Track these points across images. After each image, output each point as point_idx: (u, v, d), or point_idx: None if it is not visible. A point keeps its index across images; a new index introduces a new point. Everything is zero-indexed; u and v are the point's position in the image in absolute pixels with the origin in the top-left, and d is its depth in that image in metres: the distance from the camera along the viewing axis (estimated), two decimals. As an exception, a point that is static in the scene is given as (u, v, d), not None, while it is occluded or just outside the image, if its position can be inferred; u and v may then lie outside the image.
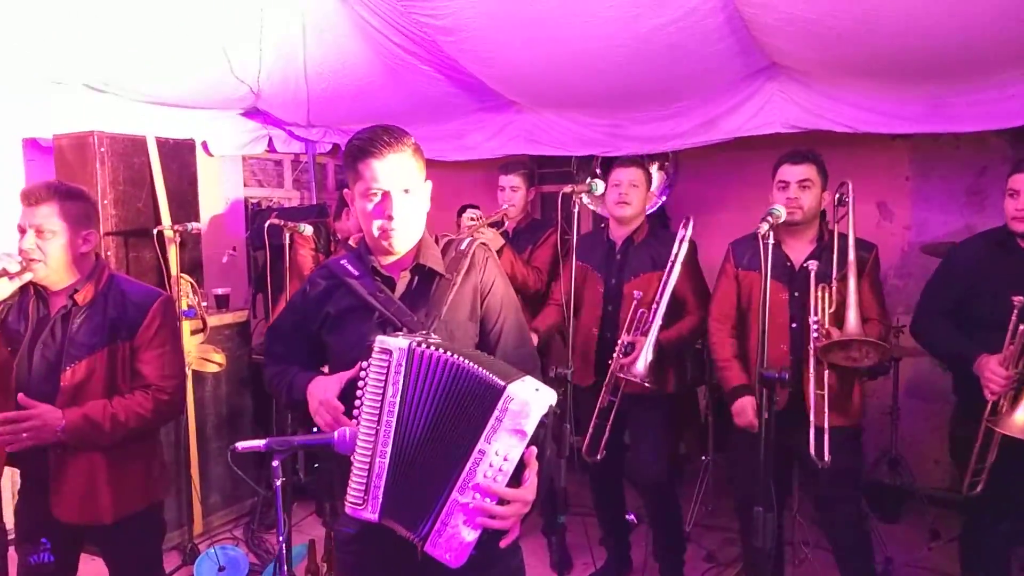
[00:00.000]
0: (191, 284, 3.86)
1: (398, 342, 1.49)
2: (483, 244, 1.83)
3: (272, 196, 5.56)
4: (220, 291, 4.28)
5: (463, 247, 1.79)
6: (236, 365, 4.20)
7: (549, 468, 1.55)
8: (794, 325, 2.78)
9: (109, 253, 3.67)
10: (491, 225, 3.72)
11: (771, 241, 2.12)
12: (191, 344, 3.84)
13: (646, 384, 2.94)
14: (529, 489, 1.48)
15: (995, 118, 3.29)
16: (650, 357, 2.95)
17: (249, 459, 3.92)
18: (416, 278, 1.76)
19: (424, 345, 1.49)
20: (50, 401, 2.10)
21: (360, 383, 1.52)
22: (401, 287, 1.75)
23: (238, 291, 4.67)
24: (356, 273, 1.75)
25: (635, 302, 3.13)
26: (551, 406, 1.47)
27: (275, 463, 1.51)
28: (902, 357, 3.93)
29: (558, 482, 2.46)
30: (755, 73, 3.58)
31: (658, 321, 2.99)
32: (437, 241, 1.83)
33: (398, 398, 1.48)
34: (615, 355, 3.08)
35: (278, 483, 1.51)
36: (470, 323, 1.74)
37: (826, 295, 2.68)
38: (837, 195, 2.86)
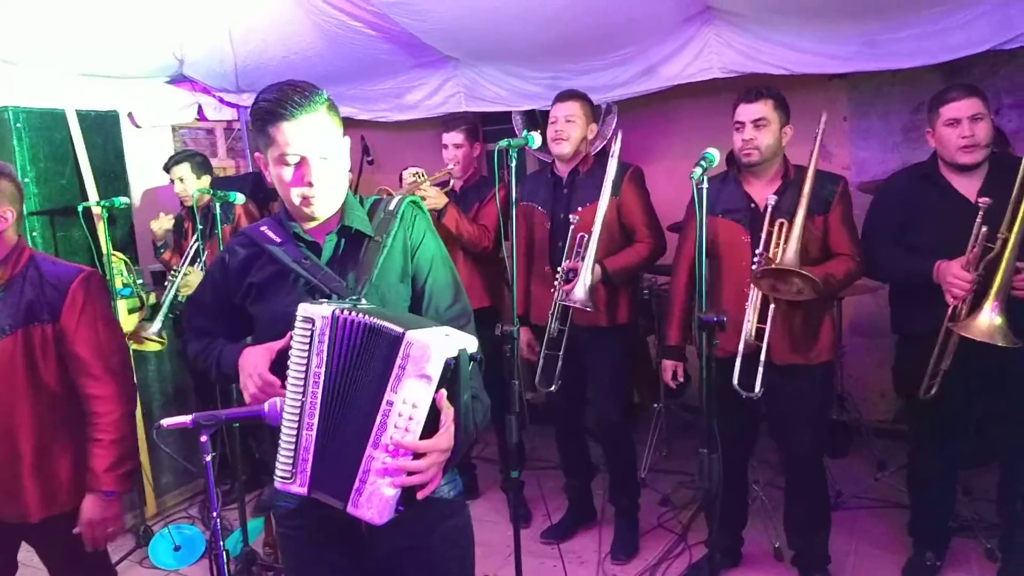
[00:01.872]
0: (124, 262, 3.73)
1: (321, 310, 1.44)
2: (412, 202, 1.75)
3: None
4: (157, 267, 4.15)
5: (391, 207, 1.71)
6: (177, 342, 4.09)
7: (473, 415, 1.49)
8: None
9: (35, 234, 3.52)
10: (437, 185, 3.65)
11: (705, 187, 2.06)
12: (130, 323, 3.72)
13: (587, 309, 2.88)
14: (445, 436, 1.43)
15: (928, 54, 3.30)
16: (589, 281, 2.88)
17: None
18: (343, 240, 1.68)
19: (349, 311, 1.44)
20: None
21: (289, 352, 1.47)
22: (327, 252, 1.67)
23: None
24: (278, 240, 1.66)
25: (572, 227, 3.08)
26: (463, 350, 1.43)
27: (203, 438, 1.47)
28: (844, 296, 4.00)
29: (510, 438, 2.44)
30: (692, 18, 3.54)
31: (594, 244, 2.90)
32: (362, 202, 1.76)
33: (323, 368, 1.43)
34: (557, 282, 3.05)
35: (207, 458, 1.47)
36: (402, 285, 1.68)
37: (782, 231, 2.62)
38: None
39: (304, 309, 1.45)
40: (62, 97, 3.92)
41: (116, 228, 3.76)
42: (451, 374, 1.41)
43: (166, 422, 1.47)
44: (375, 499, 1.40)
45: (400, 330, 1.38)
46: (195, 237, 3.59)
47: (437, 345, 1.38)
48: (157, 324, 3.55)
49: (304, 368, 1.44)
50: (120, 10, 3.63)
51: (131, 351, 3.64)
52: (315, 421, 1.43)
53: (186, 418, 1.47)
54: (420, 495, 1.44)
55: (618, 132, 3.11)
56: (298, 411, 1.44)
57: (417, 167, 3.92)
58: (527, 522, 3.62)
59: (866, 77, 4.11)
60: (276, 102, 1.53)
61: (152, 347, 3.81)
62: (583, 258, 2.94)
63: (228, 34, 4.07)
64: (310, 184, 1.57)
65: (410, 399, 1.38)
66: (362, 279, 1.62)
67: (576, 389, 3.35)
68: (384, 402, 1.39)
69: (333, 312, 1.43)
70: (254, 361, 1.58)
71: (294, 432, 1.44)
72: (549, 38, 3.65)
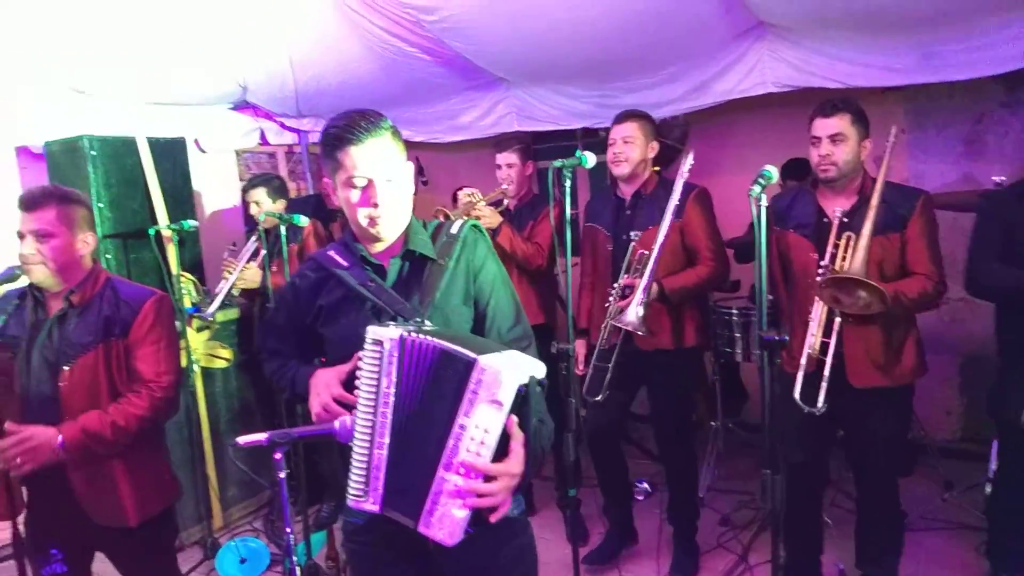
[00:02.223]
0: (193, 282, 3.87)
1: (389, 332, 1.49)
2: (473, 226, 1.81)
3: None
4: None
5: (454, 230, 1.77)
6: (243, 359, 4.23)
7: (540, 439, 1.53)
8: None
9: (108, 256, 3.68)
10: (491, 204, 3.70)
11: (764, 204, 2.05)
12: (198, 341, 3.86)
13: (639, 332, 2.86)
14: (515, 461, 1.47)
15: (987, 64, 3.23)
16: (642, 302, 2.86)
17: (266, 450, 3.97)
18: (407, 264, 1.74)
19: (416, 333, 1.49)
20: (52, 402, 2.13)
21: (358, 373, 1.53)
22: (392, 275, 1.73)
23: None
24: (345, 264, 1.74)
25: (633, 244, 3.07)
26: (533, 376, 1.47)
27: (277, 456, 1.53)
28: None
29: (567, 456, 2.46)
30: (743, 33, 3.54)
31: (651, 264, 2.88)
32: (425, 225, 1.81)
33: (393, 388, 1.49)
34: (612, 298, 3.03)
35: (281, 475, 1.53)
36: (464, 307, 1.73)
37: (848, 243, 2.55)
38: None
39: (373, 331, 1.50)
40: (132, 125, 4.11)
41: (184, 249, 3.91)
42: (521, 400, 1.45)
43: (242, 440, 1.53)
44: (446, 520, 1.44)
45: (473, 356, 1.43)
46: (263, 255, 3.73)
47: (509, 372, 1.42)
48: (213, 307, 3.81)
49: (375, 388, 1.49)
50: (187, 42, 3.80)
51: (197, 371, 3.81)
52: (386, 440, 1.48)
53: (261, 436, 1.53)
54: (492, 518, 1.48)
55: (690, 151, 3.09)
56: (370, 430, 1.49)
57: (471, 187, 3.99)
58: (584, 540, 3.62)
59: (923, 89, 4.03)
60: (344, 128, 1.61)
61: (219, 364, 3.96)
62: (641, 275, 2.94)
63: (289, 61, 4.22)
64: (376, 205, 1.64)
65: (482, 424, 1.42)
66: (426, 301, 1.68)
67: (619, 410, 3.30)
68: (456, 425, 1.43)
69: (401, 334, 1.49)
70: (326, 380, 1.64)
71: (366, 451, 1.49)
72: (599, 58, 3.68)
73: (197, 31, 3.78)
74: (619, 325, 2.92)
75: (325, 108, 4.99)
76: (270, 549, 3.71)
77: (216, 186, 5.09)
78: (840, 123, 2.60)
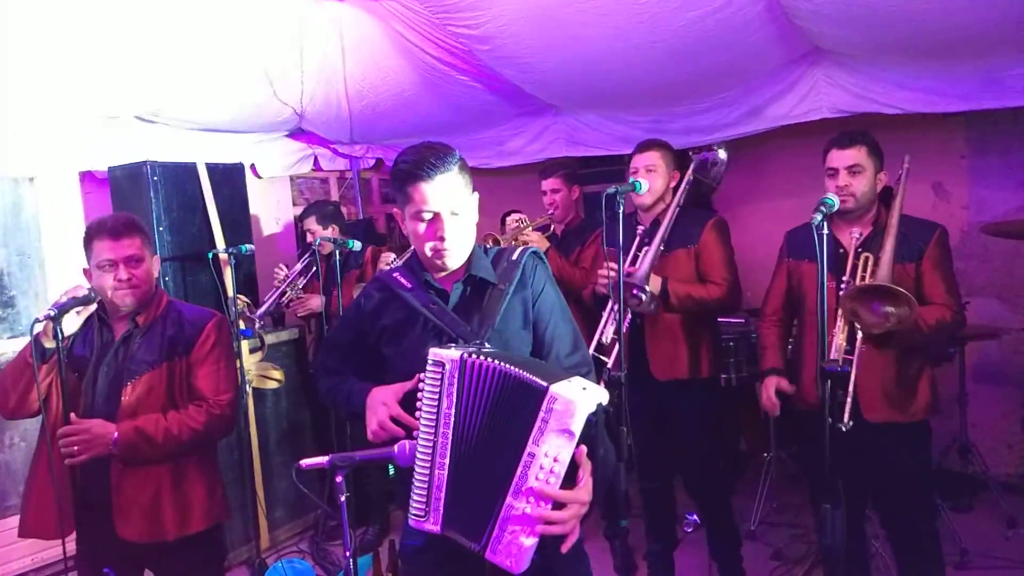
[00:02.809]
0: (247, 304, 3.95)
1: (450, 353, 1.51)
2: (533, 253, 1.84)
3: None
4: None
5: (514, 257, 1.81)
6: (294, 381, 4.29)
7: (606, 468, 1.54)
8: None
9: (167, 279, 3.78)
10: (538, 229, 3.71)
11: (826, 232, 2.06)
12: (250, 362, 3.93)
13: (644, 292, 2.82)
14: (584, 490, 1.47)
15: (1053, 89, 3.18)
16: (647, 267, 2.87)
17: (311, 472, 4.00)
18: (468, 288, 1.78)
19: (476, 355, 1.50)
20: (113, 418, 2.20)
21: (419, 395, 1.55)
22: (454, 298, 1.77)
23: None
24: (409, 285, 1.78)
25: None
26: (600, 404, 1.47)
27: (338, 479, 1.54)
28: (967, 341, 3.81)
29: (618, 485, 2.43)
30: (798, 59, 3.52)
31: (661, 232, 2.92)
32: (486, 251, 1.84)
33: (453, 409, 1.50)
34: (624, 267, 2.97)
35: (343, 498, 1.54)
36: (524, 331, 1.76)
37: (867, 262, 2.53)
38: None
39: (435, 353, 1.52)
40: (191, 150, 4.24)
41: (240, 272, 4.00)
42: (590, 428, 1.45)
43: (305, 463, 1.55)
44: (513, 547, 1.44)
45: (544, 384, 1.43)
46: (320, 280, 3.87)
47: (581, 402, 1.42)
48: (261, 310, 4.01)
49: (435, 409, 1.51)
50: (246, 70, 3.91)
51: (248, 392, 3.87)
52: (447, 460, 1.50)
53: (323, 459, 1.54)
54: (564, 548, 1.47)
55: (689, 178, 3.12)
56: (430, 450, 1.51)
57: (518, 211, 4.02)
58: (633, 571, 3.56)
59: (984, 114, 3.95)
60: (414, 163, 1.66)
61: (271, 384, 4.01)
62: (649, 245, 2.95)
63: (344, 89, 4.31)
64: (442, 239, 1.69)
65: (552, 452, 1.42)
66: (486, 324, 1.71)
67: (660, 445, 3.21)
68: (526, 453, 1.43)
69: (462, 355, 1.50)
70: (383, 399, 1.67)
71: (427, 471, 1.51)
72: (651, 84, 3.69)
73: (256, 60, 3.88)
74: (632, 282, 2.84)
75: (377, 134, 5.08)
76: (316, 571, 3.73)
77: (271, 210, 5.21)
78: (858, 155, 2.60)
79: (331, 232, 4.11)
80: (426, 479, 1.51)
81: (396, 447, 1.56)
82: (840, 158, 2.64)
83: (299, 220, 4.42)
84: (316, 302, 4.04)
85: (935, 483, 3.75)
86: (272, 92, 4.13)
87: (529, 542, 1.43)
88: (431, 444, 1.51)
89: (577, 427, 1.41)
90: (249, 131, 4.64)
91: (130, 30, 3.32)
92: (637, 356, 3.08)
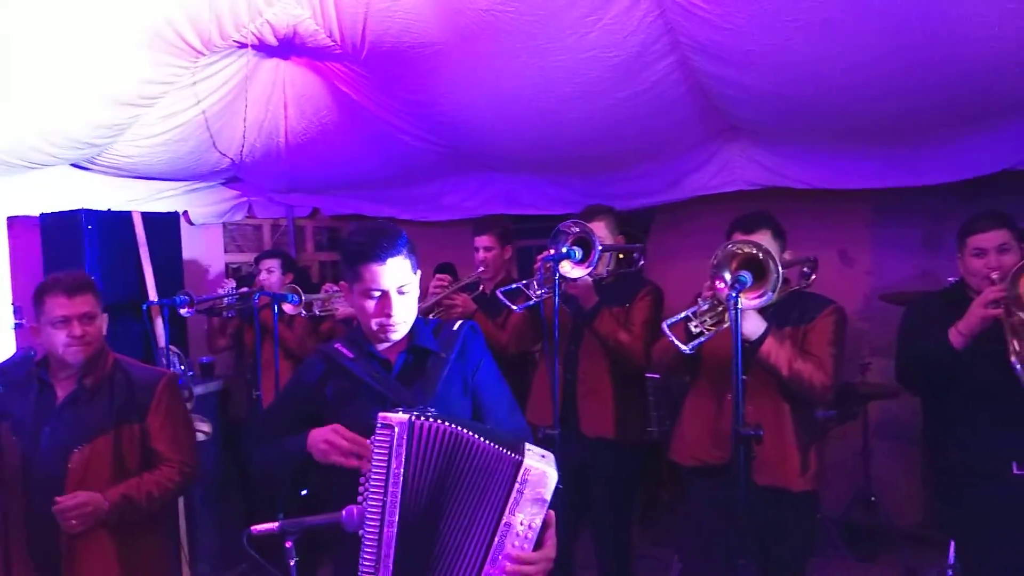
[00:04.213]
0: (177, 355, 3.92)
1: (399, 417, 1.61)
2: (471, 327, 1.96)
3: (252, 261, 5.64)
4: (205, 359, 4.34)
5: (455, 328, 1.93)
6: (221, 433, 4.25)
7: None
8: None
9: (97, 328, 3.72)
10: (464, 289, 3.68)
11: (740, 307, 2.21)
12: (179, 414, 3.87)
13: (575, 286, 2.94)
14: (550, 547, 1.62)
15: (946, 172, 3.52)
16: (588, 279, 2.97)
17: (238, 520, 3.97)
18: (411, 358, 1.89)
19: (424, 418, 1.61)
20: (58, 481, 2.20)
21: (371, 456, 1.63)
22: (397, 367, 1.87)
23: (222, 357, 4.72)
24: (351, 355, 1.88)
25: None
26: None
27: (288, 544, 1.60)
28: (870, 400, 4.10)
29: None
30: (717, 135, 3.79)
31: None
32: (426, 322, 1.96)
33: (402, 469, 1.60)
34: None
35: (292, 563, 1.60)
36: (464, 399, 1.88)
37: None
38: (807, 267, 2.80)
39: (384, 417, 1.62)
40: (124, 197, 4.22)
41: (170, 322, 3.97)
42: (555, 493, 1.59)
43: (255, 529, 1.60)
44: None
45: (519, 457, 1.56)
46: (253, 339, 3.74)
47: (551, 472, 1.57)
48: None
49: (384, 470, 1.60)
50: (184, 121, 3.93)
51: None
52: (395, 519, 1.59)
53: (273, 525, 1.60)
54: None
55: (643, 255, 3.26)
56: (379, 510, 1.59)
57: (449, 265, 4.08)
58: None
59: (887, 189, 4.30)
60: (367, 245, 1.77)
61: (199, 437, 3.95)
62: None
63: (284, 141, 4.37)
64: (389, 315, 1.80)
65: (527, 521, 1.57)
66: (428, 391, 1.81)
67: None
68: (503, 524, 1.57)
69: (410, 418, 1.60)
70: (327, 428, 1.76)
71: (376, 530, 1.59)
72: (586, 153, 3.91)
73: (196, 111, 3.91)
74: (567, 277, 2.89)
75: (316, 185, 5.14)
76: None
77: (203, 257, 5.18)
78: (762, 239, 2.59)
79: (288, 279, 4.14)
80: (375, 537, 1.59)
81: (344, 512, 1.63)
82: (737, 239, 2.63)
83: (257, 260, 4.43)
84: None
85: (840, 534, 4.01)
86: (211, 143, 4.17)
87: None
88: (380, 503, 1.59)
89: (549, 495, 1.56)
90: (184, 179, 4.64)
91: (68, 79, 3.31)
92: (567, 412, 3.16)
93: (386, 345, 1.89)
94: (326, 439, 1.74)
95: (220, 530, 4.15)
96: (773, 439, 2.54)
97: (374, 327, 1.83)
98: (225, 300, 4.15)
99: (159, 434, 2.34)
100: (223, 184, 5.03)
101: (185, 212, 4.85)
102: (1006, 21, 2.46)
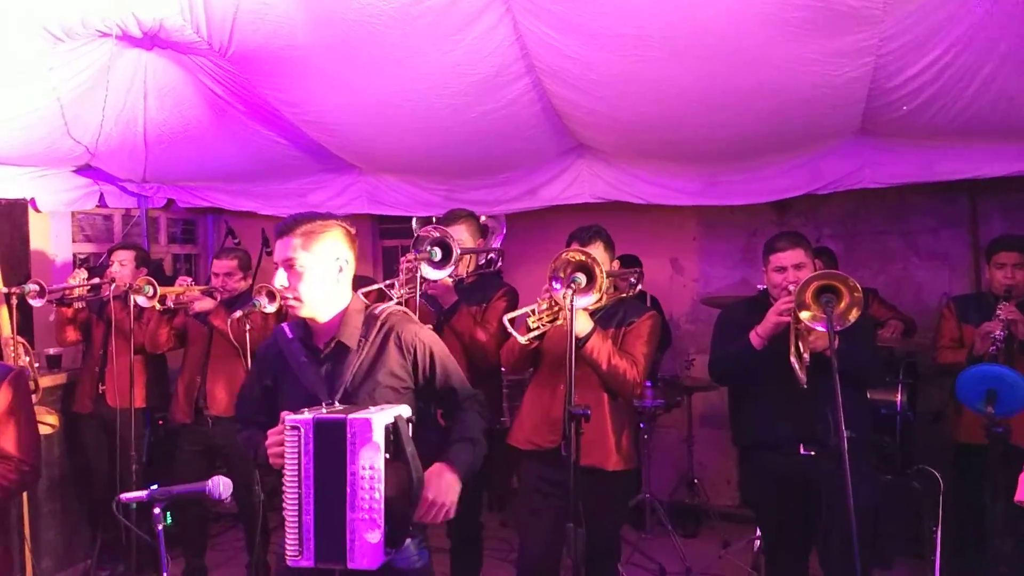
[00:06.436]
0: (23, 345, 3.80)
1: (303, 418, 1.83)
2: (396, 311, 2.16)
3: (102, 252, 5.46)
4: (52, 351, 4.22)
5: (376, 312, 2.13)
6: (67, 426, 4.15)
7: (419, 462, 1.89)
8: None
9: (-67, 315, 3.56)
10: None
11: (577, 305, 2.53)
12: (22, 406, 3.77)
13: (435, 286, 3.21)
14: (434, 491, 1.90)
15: (758, 194, 4.07)
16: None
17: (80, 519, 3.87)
18: (334, 347, 2.07)
19: (326, 412, 1.86)
20: None
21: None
22: (326, 351, 2.07)
23: (69, 349, 4.58)
24: (290, 336, 2.09)
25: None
26: (398, 416, 1.86)
27: (156, 510, 1.74)
28: (693, 391, 4.62)
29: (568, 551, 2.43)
30: (568, 151, 4.16)
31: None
32: (367, 308, 2.15)
33: (312, 464, 1.81)
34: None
35: (160, 527, 1.74)
36: (396, 376, 2.05)
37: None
38: (634, 278, 3.17)
39: (291, 419, 1.84)
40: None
41: (16, 311, 3.84)
42: (391, 436, 1.82)
43: (124, 496, 1.73)
44: (365, 548, 1.78)
45: (344, 416, 1.80)
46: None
47: (376, 419, 1.80)
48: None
49: (297, 466, 1.82)
50: (37, 104, 3.82)
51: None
52: (311, 507, 1.81)
53: (143, 493, 1.74)
54: (441, 518, 1.90)
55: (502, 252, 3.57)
56: (296, 500, 1.81)
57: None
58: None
59: (711, 207, 4.85)
60: (283, 222, 2.01)
61: (45, 430, 3.85)
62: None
63: (143, 131, 4.31)
64: (284, 286, 1.99)
65: (366, 464, 1.79)
66: (340, 382, 2.02)
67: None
68: (348, 474, 1.79)
69: (314, 418, 1.83)
70: (269, 442, 1.97)
71: (296, 518, 1.81)
72: (448, 160, 4.18)
73: (51, 95, 3.82)
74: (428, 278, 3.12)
75: (173, 176, 5.07)
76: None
77: (49, 246, 4.98)
78: (595, 250, 2.86)
79: (140, 274, 4.05)
80: (296, 524, 1.81)
81: (210, 482, 1.81)
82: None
83: (111, 252, 4.28)
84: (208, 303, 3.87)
85: (667, 513, 4.46)
86: (65, 129, 4.06)
87: (375, 538, 1.78)
88: (296, 495, 1.81)
89: (378, 437, 1.79)
90: (34, 164, 4.46)
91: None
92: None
93: (320, 324, 2.07)
94: (272, 453, 1.94)
95: (64, 525, 4.06)
96: (593, 424, 2.77)
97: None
98: (76, 291, 4.04)
99: (3, 432, 2.29)
100: (74, 172, 4.85)
101: (32, 199, 4.65)
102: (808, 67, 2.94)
